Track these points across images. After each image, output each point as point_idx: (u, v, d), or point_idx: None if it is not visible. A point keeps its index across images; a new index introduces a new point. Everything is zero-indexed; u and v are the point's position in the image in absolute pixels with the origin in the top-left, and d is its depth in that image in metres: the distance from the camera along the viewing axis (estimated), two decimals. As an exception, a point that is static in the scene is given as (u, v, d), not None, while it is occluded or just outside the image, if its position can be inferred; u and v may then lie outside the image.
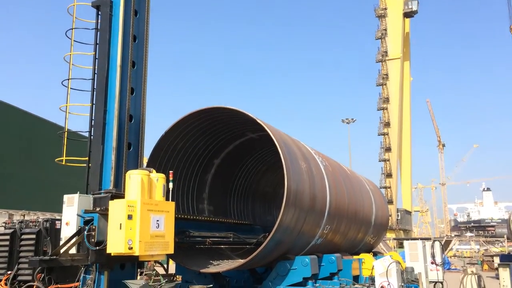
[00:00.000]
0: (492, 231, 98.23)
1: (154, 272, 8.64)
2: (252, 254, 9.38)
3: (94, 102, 9.41)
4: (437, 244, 16.22)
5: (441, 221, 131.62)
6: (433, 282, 17.68)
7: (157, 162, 10.72)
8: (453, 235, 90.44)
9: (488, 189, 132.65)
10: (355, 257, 13.34)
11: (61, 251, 7.43)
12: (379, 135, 70.05)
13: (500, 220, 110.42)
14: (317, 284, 10.29)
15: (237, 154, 13.50)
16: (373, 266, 9.27)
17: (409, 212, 73.99)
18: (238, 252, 12.13)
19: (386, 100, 69.25)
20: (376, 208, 15.90)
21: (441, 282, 17.05)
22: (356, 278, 12.26)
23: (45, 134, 26.31)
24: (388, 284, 8.70)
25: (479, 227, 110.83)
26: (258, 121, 9.88)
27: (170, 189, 8.63)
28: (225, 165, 13.39)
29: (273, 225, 15.39)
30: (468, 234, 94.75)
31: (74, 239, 7.58)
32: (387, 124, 68.89)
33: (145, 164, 10.02)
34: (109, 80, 9.31)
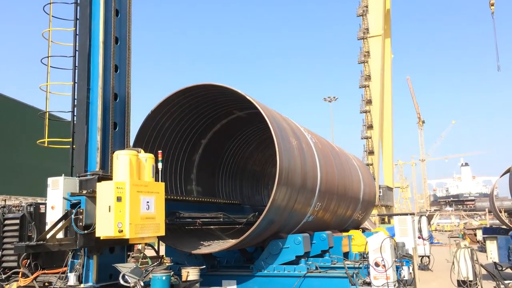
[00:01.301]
0: (471, 205, 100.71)
1: (142, 254, 8.43)
2: (244, 234, 9.22)
3: (76, 81, 8.98)
4: (424, 219, 16.45)
5: (421, 196, 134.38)
6: (421, 256, 18.02)
7: (144, 143, 10.40)
8: (432, 210, 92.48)
9: (466, 164, 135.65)
10: (344, 234, 13.33)
11: (48, 236, 7.12)
12: (361, 112, 70.29)
13: (478, 194, 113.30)
14: (310, 262, 10.22)
15: (225, 133, 13.24)
16: (367, 242, 9.22)
17: (390, 189, 75.12)
18: (228, 232, 11.98)
19: (368, 77, 69.31)
20: (364, 184, 15.91)
21: (428, 256, 17.39)
22: (346, 255, 12.25)
23: (23, 117, 25.58)
24: (382, 259, 8.65)
25: (458, 202, 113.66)
26: (247, 97, 9.61)
27: (160, 169, 8.35)
28: (213, 145, 13.13)
29: (262, 205, 15.35)
30: (448, 208, 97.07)
31: (61, 223, 7.28)
32: (369, 102, 69.11)
33: (131, 145, 9.69)
34: (91, 57, 8.87)
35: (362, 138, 69.63)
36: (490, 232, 20.86)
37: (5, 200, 13.67)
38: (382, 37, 70.08)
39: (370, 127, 68.87)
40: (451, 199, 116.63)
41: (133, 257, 9.27)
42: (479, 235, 24.84)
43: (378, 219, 51.73)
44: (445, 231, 54.78)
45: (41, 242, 6.93)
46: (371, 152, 67.94)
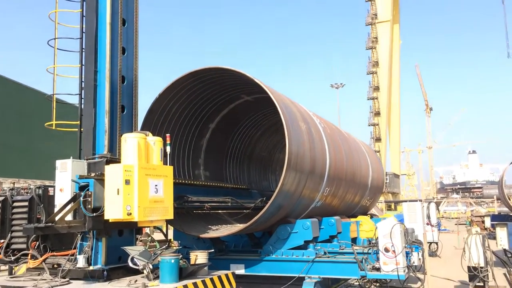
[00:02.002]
0: (478, 193, 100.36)
1: (150, 238, 8.41)
2: (252, 219, 9.18)
3: (83, 63, 8.89)
4: (432, 205, 16.34)
5: (427, 183, 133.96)
6: (429, 242, 17.94)
7: (151, 126, 10.34)
8: (439, 197, 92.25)
9: (474, 152, 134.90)
10: (352, 219, 13.27)
11: (57, 218, 7.10)
12: (368, 99, 69.77)
13: (485, 182, 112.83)
14: (318, 247, 10.18)
15: (232, 118, 13.14)
16: (376, 227, 9.14)
17: (397, 176, 74.86)
18: (236, 217, 11.96)
19: (376, 64, 68.61)
20: (372, 170, 15.79)
21: (436, 243, 17.32)
22: (354, 240, 12.22)
23: (33, 101, 25.59)
24: (392, 245, 8.58)
25: (465, 189, 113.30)
26: (256, 80, 9.48)
27: (168, 153, 8.28)
28: (220, 129, 13.05)
29: (270, 190, 15.30)
30: (455, 195, 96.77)
31: (70, 206, 7.25)
32: (377, 88, 68.52)
33: (139, 128, 9.63)
34: (98, 39, 8.76)
35: (369, 125, 69.25)
36: (498, 219, 20.76)
37: (13, 183, 13.70)
38: (391, 23, 69.18)
39: (378, 114, 68.41)
40: (458, 186, 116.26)
41: (141, 241, 9.26)
42: (488, 222, 24.72)
43: (385, 205, 51.65)
44: (452, 218, 54.66)
45: (50, 224, 6.91)
46: (378, 139, 67.60)
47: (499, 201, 33.41)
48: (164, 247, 8.32)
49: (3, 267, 11.31)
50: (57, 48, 9.54)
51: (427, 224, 15.51)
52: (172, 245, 10.30)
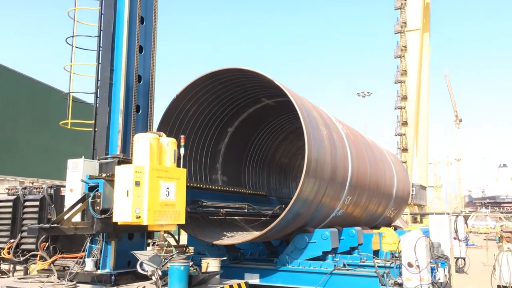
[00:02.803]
0: (508, 208, 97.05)
1: (167, 243, 8.12)
2: (268, 226, 8.78)
3: (100, 61, 8.72)
4: (460, 219, 15.56)
5: (455, 196, 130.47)
6: (456, 258, 17.12)
7: (168, 128, 10.08)
8: (467, 211, 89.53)
9: (505, 165, 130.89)
10: (375, 231, 12.70)
11: (64, 219, 6.87)
12: (395, 108, 68.57)
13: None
14: (337, 259, 9.69)
15: (252, 122, 12.79)
16: (399, 240, 8.61)
17: (424, 187, 73.08)
18: (253, 224, 11.57)
19: (404, 72, 67.45)
20: (398, 180, 15.17)
21: (464, 258, 16.50)
22: (376, 253, 11.65)
23: (57, 102, 25.99)
24: (416, 260, 8.04)
25: (494, 203, 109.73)
26: (276, 82, 9.12)
27: (182, 155, 7.98)
28: (239, 134, 12.71)
29: (290, 198, 14.83)
30: (483, 210, 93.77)
31: (77, 206, 7.02)
32: (404, 98, 67.28)
33: (155, 129, 9.40)
34: (116, 37, 8.59)
35: (395, 135, 67.99)
36: (530, 235, 19.69)
37: (32, 183, 13.69)
38: (421, 31, 68.00)
39: (405, 123, 67.08)
40: (487, 200, 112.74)
41: (157, 245, 9.02)
42: (519, 238, 23.56)
43: (410, 218, 50.29)
44: (481, 233, 52.77)
45: (56, 225, 6.68)
46: (404, 150, 66.24)
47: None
48: (176, 252, 8.01)
49: (19, 267, 11.25)
50: (75, 46, 9.43)
51: (455, 238, 14.76)
52: (188, 250, 10.02)
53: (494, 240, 38.76)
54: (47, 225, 6.86)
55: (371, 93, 59.72)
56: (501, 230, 37.76)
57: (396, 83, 68.46)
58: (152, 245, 12.71)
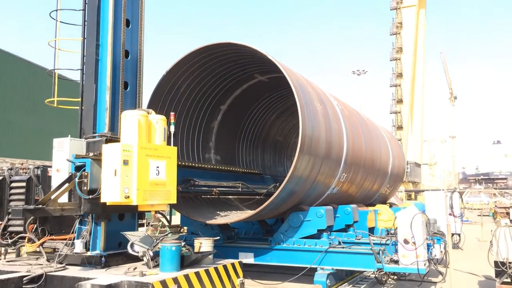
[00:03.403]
0: (502, 184, 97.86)
1: (161, 223, 7.94)
2: (263, 205, 8.60)
3: (85, 36, 8.37)
4: (455, 195, 15.46)
5: (449, 173, 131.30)
6: (452, 234, 17.09)
7: (159, 106, 9.79)
8: (461, 187, 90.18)
9: (498, 142, 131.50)
10: (370, 208, 12.58)
11: (50, 199, 6.64)
12: (391, 86, 68.12)
13: (509, 173, 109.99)
14: (332, 236, 9.57)
15: (245, 99, 12.51)
16: (395, 217, 8.47)
17: (418, 165, 73.26)
18: (247, 203, 11.41)
19: (400, 50, 66.80)
20: (393, 157, 15.01)
21: (459, 234, 16.48)
22: (371, 230, 11.55)
23: (46, 82, 25.58)
24: (412, 237, 7.91)
25: (488, 180, 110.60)
26: (270, 57, 8.82)
27: (172, 132, 7.72)
28: (232, 111, 12.44)
29: (285, 176, 14.66)
30: (477, 186, 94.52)
31: (64, 187, 6.79)
32: (400, 75, 66.77)
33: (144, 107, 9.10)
34: (101, 11, 8.23)
35: (391, 113, 67.73)
36: (525, 211, 19.73)
37: (22, 164, 13.42)
38: (416, 7, 67.09)
39: (400, 101, 66.79)
40: (481, 177, 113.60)
41: (151, 225, 8.85)
42: (513, 214, 23.66)
43: (405, 195, 50.51)
44: (475, 209, 53.21)
45: (40, 206, 6.45)
46: (399, 127, 66.10)
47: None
48: (168, 232, 7.84)
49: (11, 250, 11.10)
50: (60, 21, 9.06)
51: (450, 214, 14.69)
52: (182, 230, 9.85)
53: (488, 215, 39.07)
54: (32, 206, 6.63)
55: (366, 71, 59.24)
56: (495, 206, 38.02)
57: (391, 60, 67.86)
58: (146, 226, 12.55)
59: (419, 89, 74.89)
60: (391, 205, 14.84)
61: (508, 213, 26.75)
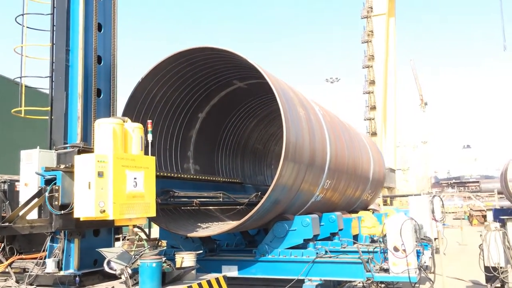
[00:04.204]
0: (473, 187, 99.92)
1: (138, 237, 7.48)
2: (246, 215, 8.22)
3: (54, 42, 7.89)
4: (436, 199, 15.42)
5: (422, 178, 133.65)
6: (434, 239, 17.06)
7: (134, 115, 9.30)
8: (434, 191, 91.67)
9: (468, 146, 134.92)
10: (353, 215, 12.36)
11: (17, 216, 6.11)
12: (364, 93, 69.05)
13: (479, 176, 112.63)
14: (319, 246, 9.24)
15: (224, 107, 12.14)
16: (384, 223, 8.22)
17: (393, 170, 74.14)
18: (229, 214, 10.99)
19: (372, 57, 67.86)
20: (374, 162, 14.88)
21: (435, 239, 16.46)
22: (355, 237, 11.32)
23: (9, 92, 24.58)
24: (402, 244, 7.66)
25: (460, 183, 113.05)
26: (250, 61, 8.49)
27: (150, 141, 7.30)
28: (211, 119, 12.05)
29: (265, 185, 14.34)
30: (450, 190, 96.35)
31: (32, 202, 6.27)
32: (372, 82, 67.79)
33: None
34: (71, 14, 7.77)
35: (365, 120, 68.54)
36: (501, 213, 19.91)
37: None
38: (386, 16, 68.37)
39: (373, 108, 67.72)
40: (453, 180, 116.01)
41: (128, 239, 8.36)
42: (490, 216, 23.91)
43: (381, 200, 50.84)
44: (448, 212, 54.06)
45: (7, 224, 5.92)
46: (373, 134, 66.87)
47: (500, 195, 32.67)
48: (147, 247, 7.37)
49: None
50: (27, 27, 8.54)
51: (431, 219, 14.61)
52: (161, 244, 9.36)
53: (463, 219, 39.67)
54: (-3, 225, 6.08)
55: (339, 78, 59.93)
56: (470, 209, 38.63)
57: (363, 68, 68.89)
58: (123, 240, 11.93)
59: (392, 95, 76.10)
60: (373, 211, 14.66)
61: (484, 216, 27.13)
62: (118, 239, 14.38)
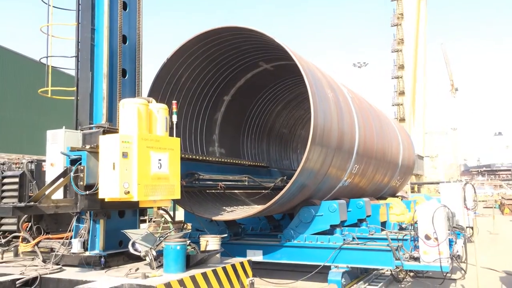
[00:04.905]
0: (504, 175, 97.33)
1: (163, 219, 7.42)
2: (271, 200, 8.06)
3: (79, 21, 7.79)
4: (468, 187, 14.91)
5: (450, 166, 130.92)
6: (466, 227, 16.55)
7: (159, 96, 9.21)
8: (463, 179, 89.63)
9: (500, 134, 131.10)
10: (381, 201, 12.05)
11: (42, 196, 6.09)
12: (392, 78, 67.50)
13: (511, 164, 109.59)
14: (346, 232, 9.02)
15: (249, 89, 11.93)
16: (415, 210, 7.93)
17: (421, 157, 72.71)
18: (254, 197, 10.87)
19: (401, 41, 66.10)
20: (403, 148, 14.45)
21: (471, 227, 15.93)
22: (383, 224, 11.04)
23: (36, 74, 24.90)
24: (434, 232, 7.36)
25: (490, 171, 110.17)
26: (277, 41, 8.23)
27: (174, 122, 7.17)
28: (236, 102, 11.87)
29: (291, 169, 14.13)
30: (480, 178, 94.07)
31: (58, 182, 6.23)
32: (401, 67, 66.13)
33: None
34: (96, -7, 7.64)
35: (393, 105, 67.13)
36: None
37: (18, 159, 12.85)
38: (417, -2, 66.28)
39: (402, 93, 66.20)
40: (484, 168, 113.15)
41: (154, 221, 8.31)
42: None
43: (409, 187, 49.96)
44: (478, 201, 52.75)
45: (32, 204, 5.91)
46: (402, 120, 65.45)
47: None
48: (171, 230, 7.31)
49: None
50: (53, 6, 8.47)
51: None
52: (186, 227, 9.30)
53: (494, 207, 38.57)
54: (23, 204, 6.07)
55: (367, 63, 58.70)
56: (502, 198, 37.49)
57: (393, 52, 67.22)
58: (149, 222, 11.95)
59: (421, 80, 74.18)
60: (402, 198, 14.30)
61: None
62: (144, 221, 14.52)
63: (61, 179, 6.26)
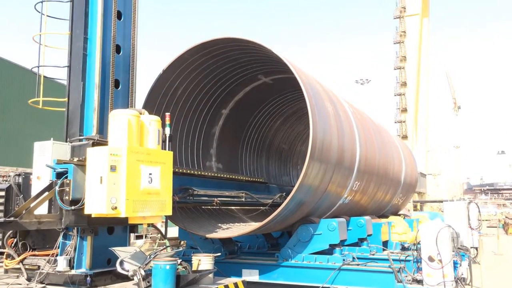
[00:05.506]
0: (507, 194, 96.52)
1: (160, 235, 7.10)
2: (269, 216, 7.73)
3: (72, 30, 7.58)
4: (472, 206, 14.52)
5: (453, 184, 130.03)
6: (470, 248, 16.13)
7: (154, 109, 8.95)
8: (466, 198, 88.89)
9: (503, 152, 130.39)
10: (383, 220, 11.69)
11: (26, 210, 5.79)
12: (395, 95, 67.43)
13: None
14: (345, 252, 8.66)
15: (248, 103, 11.69)
16: (418, 230, 7.58)
17: (424, 175, 72.18)
18: (251, 214, 10.52)
19: (403, 58, 66.23)
20: (406, 165, 14.13)
21: (476, 248, 15.52)
22: (384, 244, 10.66)
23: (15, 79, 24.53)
24: (438, 253, 7.00)
25: (493, 190, 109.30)
26: (276, 53, 7.99)
27: (167, 135, 6.90)
28: (235, 116, 11.61)
29: (291, 185, 13.79)
30: (483, 197, 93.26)
31: (42, 196, 5.93)
32: (404, 84, 66.12)
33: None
34: (90, 1, 7.45)
35: (395, 122, 66.88)
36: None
37: (6, 172, 12.56)
38: (420, 16, 66.65)
39: (404, 110, 66.04)
40: (487, 187, 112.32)
41: (150, 238, 7.97)
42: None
43: (411, 205, 49.41)
44: (482, 220, 52.08)
45: (12, 219, 5.60)
46: (404, 137, 65.10)
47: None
48: (166, 246, 6.98)
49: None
50: (47, 15, 8.27)
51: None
52: (183, 245, 8.97)
53: (498, 227, 37.99)
54: (1, 219, 5.76)
55: (369, 80, 58.67)
56: (505, 217, 36.96)
57: (395, 69, 67.30)
58: (144, 238, 11.56)
59: (424, 98, 74.02)
60: (404, 217, 13.91)
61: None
62: (140, 237, 14.13)
63: (46, 193, 5.95)
